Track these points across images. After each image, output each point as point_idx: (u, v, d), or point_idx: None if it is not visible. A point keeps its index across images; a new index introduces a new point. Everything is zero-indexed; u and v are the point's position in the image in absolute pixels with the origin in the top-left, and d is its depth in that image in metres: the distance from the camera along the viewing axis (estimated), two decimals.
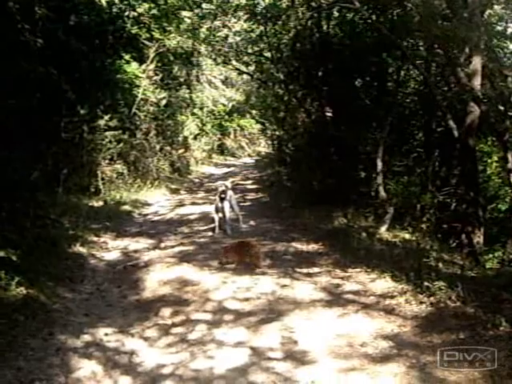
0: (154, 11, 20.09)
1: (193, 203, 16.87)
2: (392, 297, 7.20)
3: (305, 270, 8.84)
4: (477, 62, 9.86)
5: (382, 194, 11.89)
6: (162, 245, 11.16)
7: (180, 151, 25.24)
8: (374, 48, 13.74)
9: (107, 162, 16.68)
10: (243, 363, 5.64)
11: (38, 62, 11.67)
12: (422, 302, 6.81)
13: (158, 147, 21.25)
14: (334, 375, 5.28)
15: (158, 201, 17.49)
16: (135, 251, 10.73)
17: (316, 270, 8.87)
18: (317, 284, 8.03)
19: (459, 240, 9.51)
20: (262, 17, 18.85)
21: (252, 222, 13.11)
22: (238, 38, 23.54)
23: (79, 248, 10.42)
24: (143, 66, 19.87)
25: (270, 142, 27.90)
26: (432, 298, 6.80)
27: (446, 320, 6.21)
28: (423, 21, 10.52)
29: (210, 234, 11.94)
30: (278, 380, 5.29)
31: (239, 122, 35.83)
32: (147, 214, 15.25)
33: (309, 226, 12.17)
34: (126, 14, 17.96)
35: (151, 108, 20.71)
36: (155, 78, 20.91)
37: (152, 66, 20.38)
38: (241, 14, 21.10)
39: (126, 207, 15.32)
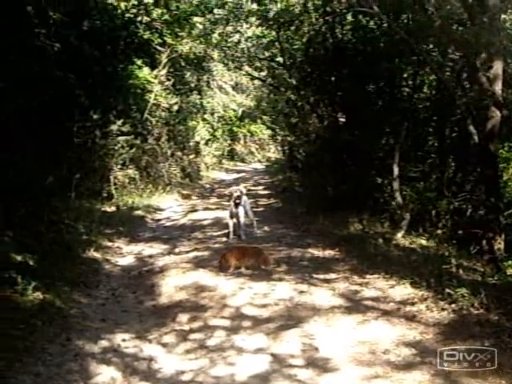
0: (166, 17, 20.15)
1: (205, 209, 16.86)
2: (412, 303, 7.09)
3: (322, 276, 8.74)
4: (498, 67, 9.75)
5: (399, 199, 11.79)
6: (177, 250, 11.13)
7: (191, 156, 25.21)
8: (387, 53, 13.64)
9: (119, 167, 16.76)
10: (264, 370, 5.56)
11: (55, 66, 11.66)
12: (443, 309, 6.68)
13: (169, 152, 21.41)
14: (358, 382, 5.20)
15: (170, 206, 17.49)
16: (150, 256, 10.72)
17: (333, 276, 8.77)
18: (335, 290, 7.92)
19: (480, 246, 9.39)
20: (275, 22, 18.76)
21: (266, 228, 13.06)
22: (249, 44, 23.53)
23: (93, 253, 10.41)
24: (155, 72, 20.04)
25: (280, 148, 27.90)
26: (454, 305, 6.68)
27: (469, 327, 6.08)
28: (444, 25, 10.43)
29: (225, 239, 11.87)
30: None
31: (249, 128, 35.80)
32: (160, 220, 15.26)
33: (324, 232, 12.11)
34: (139, 19, 17.87)
35: (163, 113, 20.97)
36: (167, 83, 21.12)
37: (164, 72, 20.56)
38: (253, 19, 21.14)
39: (139, 212, 15.34)
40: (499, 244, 9.64)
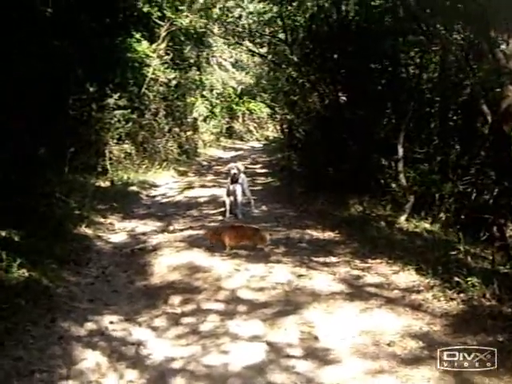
0: None
1: (202, 186, 16.63)
2: (418, 291, 6.72)
3: (322, 260, 8.39)
4: None
5: (403, 181, 11.41)
6: (171, 228, 10.87)
7: (189, 133, 24.91)
8: (394, 30, 13.25)
9: (115, 141, 16.57)
10: (260, 360, 5.20)
11: (52, 34, 11.32)
12: (451, 299, 6.31)
13: (166, 128, 21.09)
14: (361, 377, 4.84)
15: (166, 182, 17.30)
16: (143, 234, 10.45)
17: (334, 259, 8.43)
18: (335, 275, 7.58)
19: (489, 233, 8.97)
20: None
21: (264, 207, 12.79)
22: (251, 21, 23.11)
23: (85, 229, 10.18)
24: (154, 46, 19.69)
25: (279, 127, 27.55)
26: (463, 295, 6.30)
27: (480, 320, 5.69)
28: None
29: (221, 218, 11.64)
30: (300, 381, 4.85)
31: (248, 106, 35.54)
32: (155, 196, 15.04)
33: (323, 213, 11.72)
34: None
35: (161, 88, 20.66)
36: (166, 57, 20.77)
37: (163, 46, 20.25)
38: None
39: (134, 188, 15.15)
40: (511, 231, 9.23)
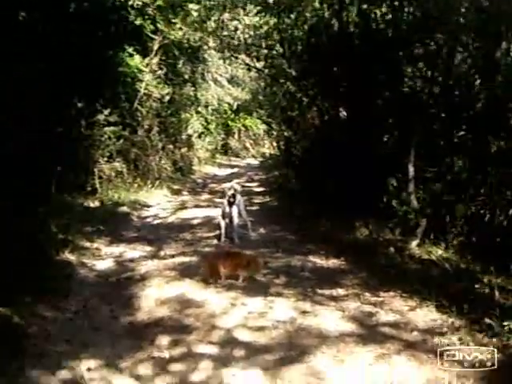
0: (160, 2, 19.37)
1: (196, 206, 16.04)
2: (441, 334, 5.82)
3: (327, 292, 7.57)
4: None
5: (414, 203, 10.59)
6: (162, 253, 10.14)
7: (183, 150, 24.32)
8: (397, 42, 12.61)
9: (106, 159, 15.91)
10: None
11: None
12: (483, 345, 5.45)
13: (160, 145, 20.46)
14: None
15: (158, 202, 16.63)
16: (131, 260, 9.70)
17: (341, 292, 7.60)
18: (344, 311, 6.75)
19: None
20: (276, 3, 17.93)
21: (262, 230, 12.07)
22: (247, 35, 22.62)
23: (68, 255, 9.43)
24: (146, 60, 19.16)
25: (276, 143, 27.04)
26: (496, 340, 5.45)
27: None
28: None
29: (215, 242, 10.96)
30: None
31: (244, 122, 35.24)
32: (146, 217, 14.33)
33: (326, 237, 10.91)
34: (130, 3, 16.87)
35: (154, 104, 20.14)
36: (159, 72, 20.36)
37: (156, 60, 19.78)
38: (251, 7, 20.31)
39: (124, 208, 14.48)
40: None
